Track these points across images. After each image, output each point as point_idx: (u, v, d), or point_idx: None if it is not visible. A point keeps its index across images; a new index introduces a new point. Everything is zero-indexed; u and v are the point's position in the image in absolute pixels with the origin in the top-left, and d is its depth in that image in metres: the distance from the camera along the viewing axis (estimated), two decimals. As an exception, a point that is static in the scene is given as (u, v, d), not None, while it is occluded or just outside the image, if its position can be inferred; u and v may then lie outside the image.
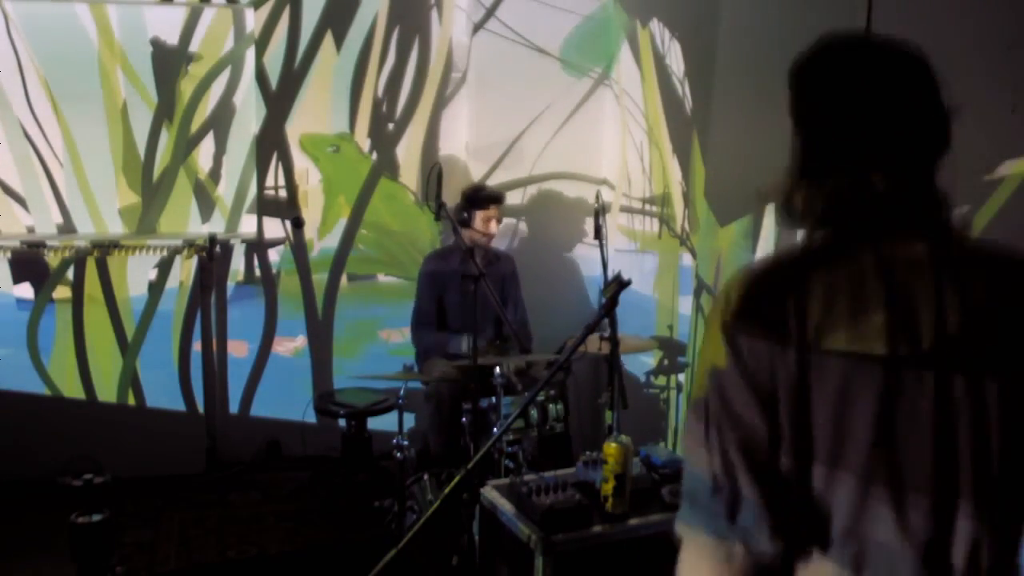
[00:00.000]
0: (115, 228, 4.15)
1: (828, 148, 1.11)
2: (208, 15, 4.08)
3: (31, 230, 4.06)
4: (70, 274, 4.08)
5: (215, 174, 4.23)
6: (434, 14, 4.34)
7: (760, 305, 1.07)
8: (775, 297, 1.06)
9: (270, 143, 4.23)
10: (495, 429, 3.07)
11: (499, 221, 3.90)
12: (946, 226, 1.08)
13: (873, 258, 1.05)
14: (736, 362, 1.05)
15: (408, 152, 4.41)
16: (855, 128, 1.09)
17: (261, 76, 4.16)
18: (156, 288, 4.20)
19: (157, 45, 4.06)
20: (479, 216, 3.80)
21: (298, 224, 4.31)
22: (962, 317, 1.02)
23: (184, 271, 4.20)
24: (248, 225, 4.28)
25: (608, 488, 2.39)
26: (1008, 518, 1.02)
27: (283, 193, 4.30)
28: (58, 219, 4.08)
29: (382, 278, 4.49)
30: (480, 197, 3.83)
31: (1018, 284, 1.04)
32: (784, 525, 1.03)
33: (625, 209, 4.38)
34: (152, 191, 4.16)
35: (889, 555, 1.02)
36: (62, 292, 4.08)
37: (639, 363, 4.16)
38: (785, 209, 1.15)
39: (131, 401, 4.23)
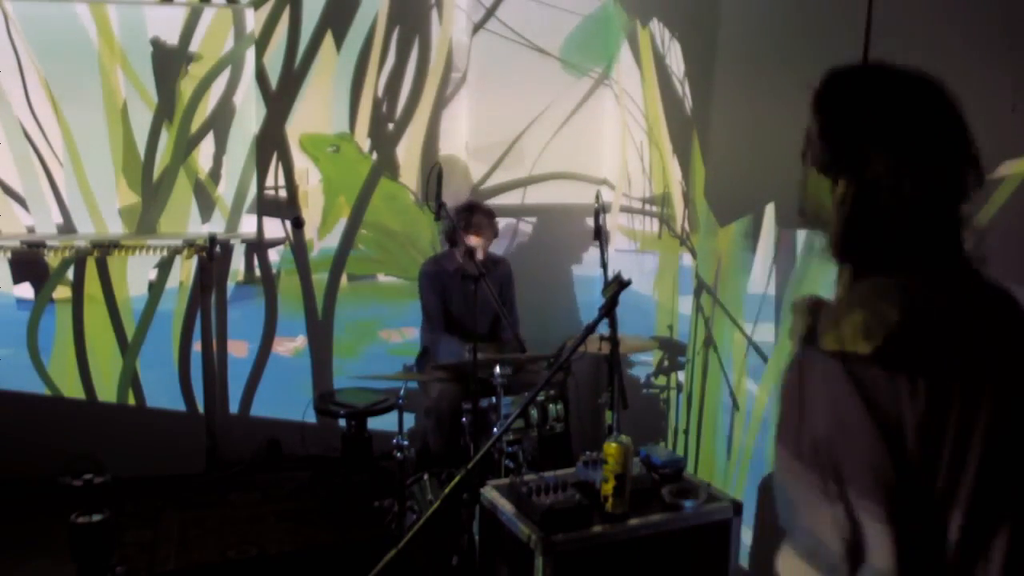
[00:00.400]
0: (115, 228, 4.15)
1: (887, 185, 1.07)
2: (208, 15, 4.08)
3: (31, 230, 4.06)
4: (70, 274, 4.08)
5: (215, 174, 4.23)
6: (434, 14, 4.34)
7: (881, 334, 0.99)
8: (892, 324, 1.00)
9: (270, 143, 4.23)
10: (495, 429, 3.07)
11: (486, 248, 3.85)
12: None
13: (959, 289, 1.06)
14: (860, 399, 0.97)
15: (408, 152, 4.41)
16: (915, 161, 1.06)
17: (261, 76, 4.16)
18: (156, 288, 4.20)
19: (157, 45, 4.06)
20: (466, 240, 3.76)
21: (298, 224, 4.31)
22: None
23: (184, 271, 4.20)
24: (248, 225, 4.28)
25: (608, 488, 2.39)
26: None
27: (283, 193, 4.30)
28: (58, 219, 4.08)
29: (382, 278, 4.49)
30: (466, 222, 3.76)
31: None
32: None
33: (625, 209, 4.38)
34: (152, 191, 4.16)
35: None
36: (62, 292, 4.08)
37: (639, 363, 4.16)
38: (845, 248, 1.12)
39: (131, 401, 4.22)
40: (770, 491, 2.81)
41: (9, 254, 3.98)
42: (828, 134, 1.10)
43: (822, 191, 1.11)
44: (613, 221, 4.43)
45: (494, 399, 3.19)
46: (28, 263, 4.02)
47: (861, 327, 1.00)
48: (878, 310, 1.01)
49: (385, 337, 4.51)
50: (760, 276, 3.13)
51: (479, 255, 3.78)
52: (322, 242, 4.37)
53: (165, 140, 4.13)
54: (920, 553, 0.98)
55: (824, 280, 2.72)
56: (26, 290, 4.06)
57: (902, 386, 0.96)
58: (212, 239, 4.13)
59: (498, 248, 4.24)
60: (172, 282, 4.21)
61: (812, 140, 1.12)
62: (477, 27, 4.33)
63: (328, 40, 4.23)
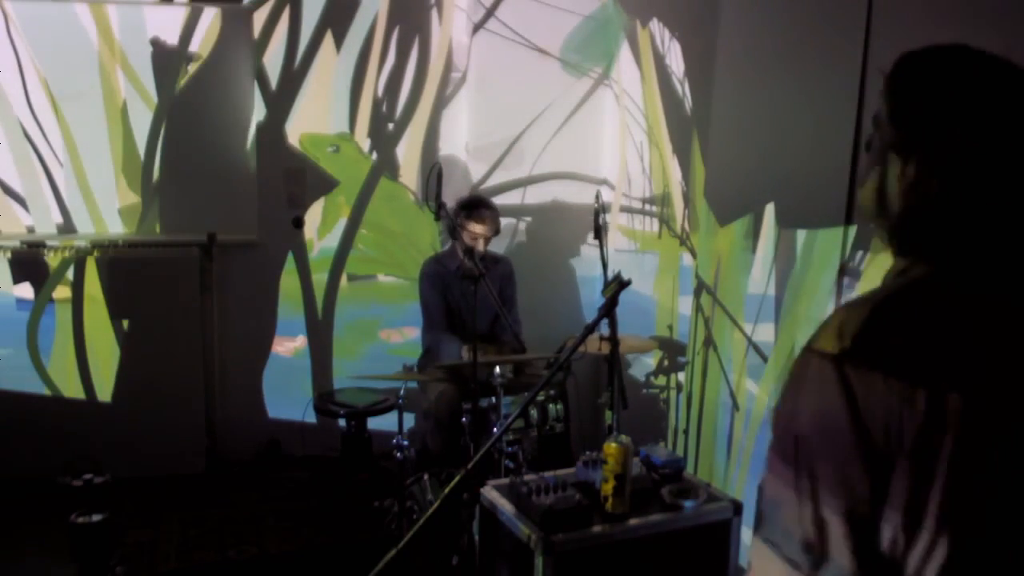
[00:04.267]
0: (115, 228, 4.15)
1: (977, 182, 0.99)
2: (208, 15, 4.08)
3: (31, 230, 4.06)
4: (70, 274, 4.08)
5: (215, 174, 4.23)
6: (434, 14, 4.34)
7: (886, 343, 0.93)
8: (905, 334, 0.93)
9: (270, 143, 4.23)
10: (495, 429, 3.07)
11: (488, 241, 3.83)
12: None
13: (996, 302, 0.97)
14: (848, 407, 0.92)
15: (408, 152, 4.41)
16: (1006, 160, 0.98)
17: (261, 76, 4.16)
18: (156, 288, 4.20)
19: (157, 45, 4.06)
20: (466, 233, 3.75)
21: (298, 224, 4.31)
22: None
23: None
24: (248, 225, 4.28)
25: (608, 488, 2.39)
26: None
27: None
28: (58, 219, 4.09)
29: (382, 278, 4.49)
30: (466, 215, 3.75)
31: None
32: None
33: (625, 209, 4.38)
34: (152, 191, 4.16)
35: None
36: (62, 292, 4.08)
37: (639, 363, 4.16)
38: (916, 239, 1.03)
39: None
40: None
41: (9, 254, 3.98)
42: (899, 115, 1.05)
43: (889, 180, 1.05)
44: (613, 221, 4.43)
45: (494, 399, 3.19)
46: (28, 263, 4.02)
47: (864, 328, 0.95)
48: (882, 311, 0.96)
49: (385, 337, 4.51)
50: (760, 276, 3.13)
51: (480, 246, 3.77)
52: (322, 242, 4.37)
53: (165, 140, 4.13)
54: (882, 558, 0.94)
55: (824, 280, 2.73)
56: (26, 290, 4.06)
57: (897, 392, 0.92)
58: (212, 239, 4.13)
59: (498, 248, 4.24)
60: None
61: (881, 124, 1.06)
62: (477, 27, 4.33)
63: (328, 40, 4.23)
